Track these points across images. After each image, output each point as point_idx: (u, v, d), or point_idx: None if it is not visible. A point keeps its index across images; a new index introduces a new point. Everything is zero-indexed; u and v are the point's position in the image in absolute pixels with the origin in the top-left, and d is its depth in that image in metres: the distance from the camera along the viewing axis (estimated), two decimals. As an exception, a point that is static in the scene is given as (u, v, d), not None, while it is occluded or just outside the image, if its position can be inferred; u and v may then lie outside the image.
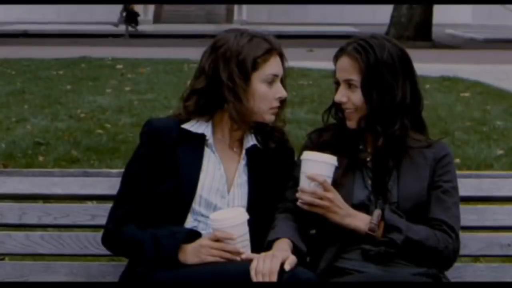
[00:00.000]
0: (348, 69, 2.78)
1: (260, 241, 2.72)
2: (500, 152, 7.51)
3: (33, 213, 3.02)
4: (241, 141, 2.88)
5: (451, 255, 2.76)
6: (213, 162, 2.83)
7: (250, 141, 2.86)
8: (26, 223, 3.03)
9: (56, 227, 3.12)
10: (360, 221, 2.72)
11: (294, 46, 14.43)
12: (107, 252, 2.93)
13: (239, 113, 2.77)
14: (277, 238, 2.70)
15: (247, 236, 2.67)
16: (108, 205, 2.89)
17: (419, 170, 2.79)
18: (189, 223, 2.78)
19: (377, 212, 2.72)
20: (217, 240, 2.65)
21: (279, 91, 2.82)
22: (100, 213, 2.98)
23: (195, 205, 2.78)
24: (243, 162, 2.86)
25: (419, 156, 2.81)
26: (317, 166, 2.72)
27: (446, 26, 25.14)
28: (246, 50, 2.77)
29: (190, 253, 2.66)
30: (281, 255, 2.57)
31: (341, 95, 2.81)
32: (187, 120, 2.83)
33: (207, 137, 2.82)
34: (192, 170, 2.79)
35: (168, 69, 13.27)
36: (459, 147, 7.57)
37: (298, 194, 2.73)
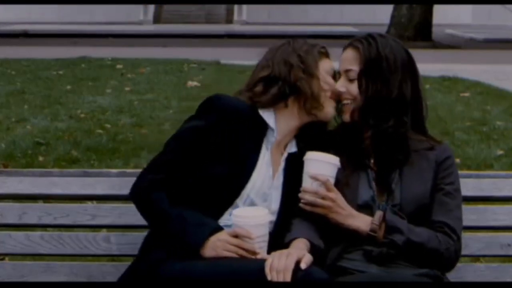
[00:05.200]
0: (350, 60, 2.81)
1: (281, 246, 2.69)
2: (500, 152, 7.50)
3: (33, 213, 3.02)
4: (286, 145, 2.88)
5: (452, 257, 2.76)
6: (266, 162, 2.81)
7: (293, 147, 2.87)
8: (26, 223, 3.03)
9: (56, 227, 3.12)
10: (361, 222, 2.72)
11: (294, 46, 14.38)
12: (107, 252, 2.92)
13: (311, 98, 2.79)
14: (293, 239, 2.69)
15: (266, 238, 2.66)
16: (108, 205, 2.89)
17: (422, 172, 2.79)
18: (225, 219, 2.74)
19: (378, 214, 2.72)
20: (236, 236, 2.64)
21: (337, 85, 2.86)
22: (100, 213, 2.99)
23: (239, 202, 2.76)
24: (282, 164, 2.86)
25: (421, 159, 2.81)
26: (319, 166, 2.72)
27: (446, 26, 25.13)
28: (308, 49, 2.85)
29: (208, 246, 2.64)
30: (296, 253, 2.57)
31: (340, 85, 2.84)
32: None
33: (274, 133, 2.82)
34: (247, 167, 2.76)
35: (168, 69, 13.26)
36: (459, 147, 7.56)
37: (300, 194, 2.73)
